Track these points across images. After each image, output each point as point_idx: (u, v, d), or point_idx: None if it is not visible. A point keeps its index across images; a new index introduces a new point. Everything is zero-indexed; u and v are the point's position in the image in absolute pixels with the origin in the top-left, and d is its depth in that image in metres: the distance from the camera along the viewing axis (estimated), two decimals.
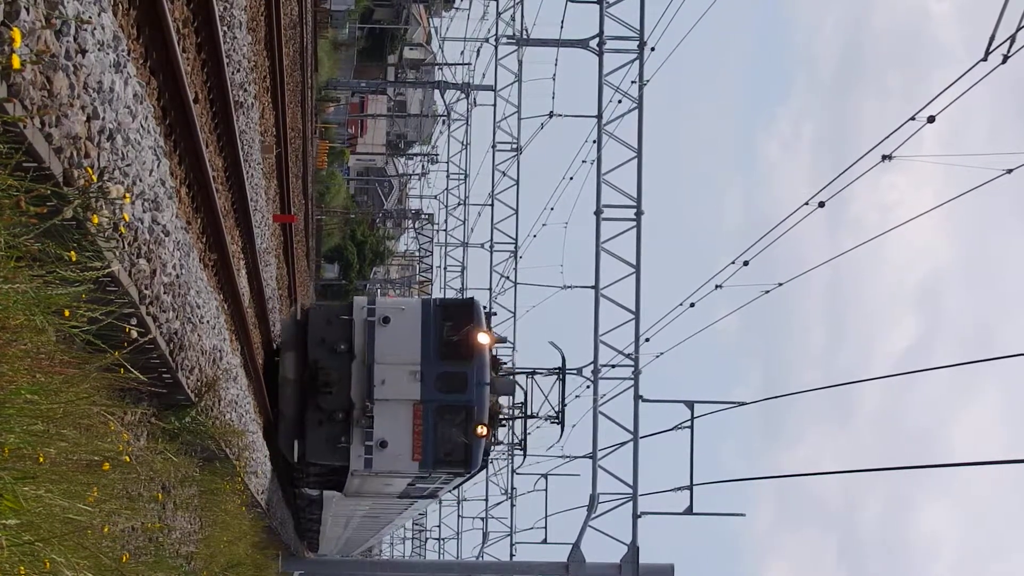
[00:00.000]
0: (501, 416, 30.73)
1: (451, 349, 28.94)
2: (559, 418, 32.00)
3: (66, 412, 6.64)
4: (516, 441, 33.05)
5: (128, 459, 8.71)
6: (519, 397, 33.70)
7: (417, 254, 79.95)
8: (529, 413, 31.86)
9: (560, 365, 31.55)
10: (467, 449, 28.88)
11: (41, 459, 6.22)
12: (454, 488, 36.91)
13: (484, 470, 37.53)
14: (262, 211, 24.62)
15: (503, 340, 32.88)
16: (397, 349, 28.66)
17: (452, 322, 29.12)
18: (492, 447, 31.55)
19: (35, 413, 6.20)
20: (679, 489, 29.61)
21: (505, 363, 31.32)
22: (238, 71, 18.66)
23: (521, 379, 32.64)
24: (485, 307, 30.37)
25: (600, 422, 31.19)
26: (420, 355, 28.78)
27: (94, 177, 7.71)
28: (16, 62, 6.18)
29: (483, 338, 28.94)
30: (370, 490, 34.35)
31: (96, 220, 7.63)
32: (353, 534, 64.59)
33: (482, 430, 28.71)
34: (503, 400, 31.95)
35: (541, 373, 31.87)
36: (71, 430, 6.85)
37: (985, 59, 15.45)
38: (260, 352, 25.51)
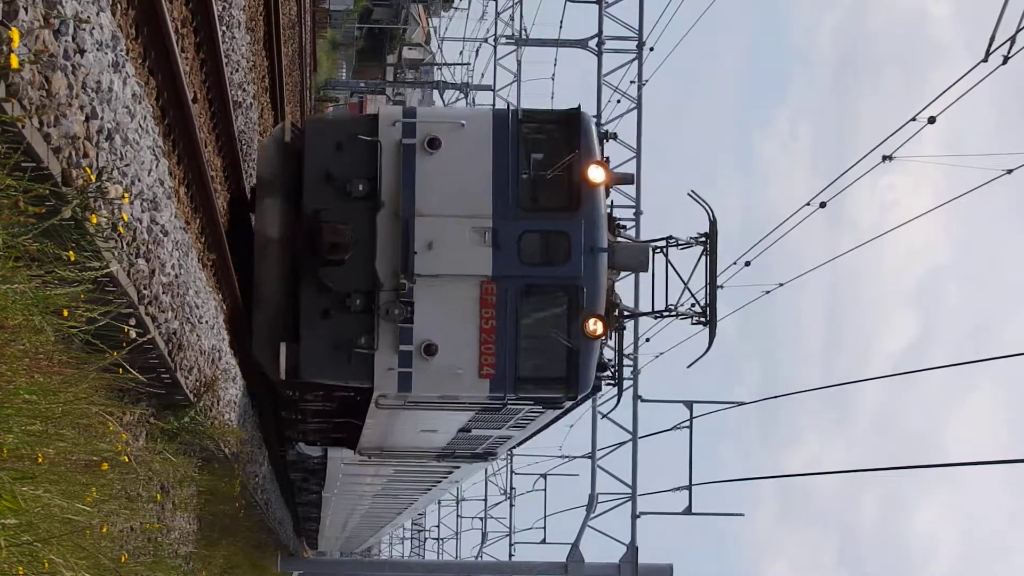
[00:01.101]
0: (621, 310, 19.23)
1: (543, 193, 18.37)
2: (706, 319, 19.40)
3: (65, 412, 6.64)
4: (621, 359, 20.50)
5: (127, 459, 8.71)
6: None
7: None
8: (665, 308, 19.59)
9: (708, 231, 19.20)
10: (571, 359, 18.10)
11: (40, 459, 6.21)
12: (540, 429, 22.86)
13: (593, 397, 21.72)
14: None
15: (627, 180, 21.35)
16: (453, 192, 17.97)
17: (545, 149, 18.62)
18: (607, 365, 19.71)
19: (34, 413, 6.19)
20: (678, 489, 29.62)
21: (625, 227, 19.86)
22: (237, 71, 18.65)
23: None
24: (600, 125, 19.17)
25: (599, 422, 31.19)
26: (491, 202, 18.00)
27: (93, 177, 7.70)
28: (15, 62, 6.18)
29: (597, 173, 18.05)
30: (400, 440, 23.52)
31: (95, 220, 7.62)
32: (366, 521, 51.22)
33: (596, 326, 17.84)
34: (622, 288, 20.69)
35: (679, 244, 19.39)
36: (70, 430, 6.85)
37: (986, 60, 15.45)
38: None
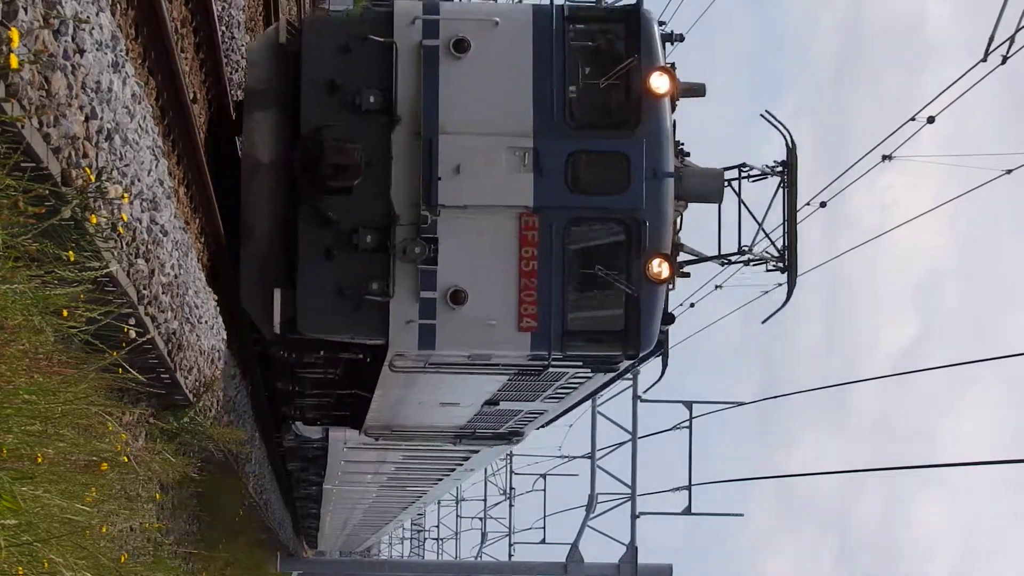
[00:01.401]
0: (685, 253, 16.02)
1: (596, 106, 15.33)
2: (784, 263, 16.08)
3: (64, 412, 6.64)
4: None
5: (126, 459, 8.72)
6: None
7: None
8: (738, 251, 16.24)
9: (785, 159, 15.89)
10: (631, 308, 14.96)
11: (40, 459, 6.21)
12: (581, 401, 19.78)
13: (660, 355, 16.84)
14: None
15: (697, 91, 16.18)
16: (485, 105, 14.99)
17: (597, 52, 15.42)
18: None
19: (33, 413, 6.20)
20: (678, 489, 29.64)
21: (688, 153, 15.99)
22: (237, 71, 18.66)
23: None
24: (663, 24, 15.45)
25: (599, 422, 31.20)
26: (532, 117, 14.97)
27: (92, 177, 7.71)
28: (14, 62, 6.18)
29: (661, 82, 14.91)
30: (413, 416, 20.31)
31: (94, 220, 7.62)
32: (369, 517, 47.69)
33: (661, 268, 14.77)
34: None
35: (750, 176, 16.10)
36: (69, 430, 6.85)
37: (985, 60, 15.47)
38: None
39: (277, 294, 14.84)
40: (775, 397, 29.48)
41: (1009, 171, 17.20)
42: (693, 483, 29.28)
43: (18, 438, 6.02)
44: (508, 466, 45.71)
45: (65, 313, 6.56)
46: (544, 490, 43.66)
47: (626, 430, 30.58)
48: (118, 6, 10.21)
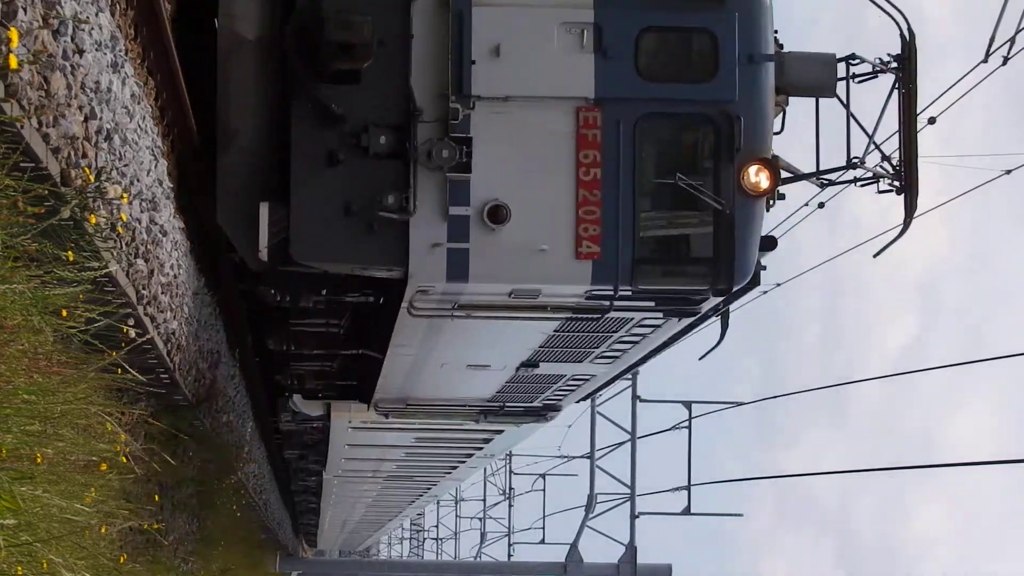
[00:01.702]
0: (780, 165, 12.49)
1: None
2: (901, 181, 12.78)
3: (63, 412, 6.64)
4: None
5: (125, 459, 8.71)
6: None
7: None
8: (847, 164, 12.95)
9: (900, 52, 12.72)
10: (719, 229, 11.98)
11: (39, 459, 6.21)
12: (647, 357, 15.66)
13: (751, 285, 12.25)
14: None
15: None
16: None
17: None
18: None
19: (32, 413, 6.19)
20: (677, 489, 29.64)
21: (783, 45, 12.63)
22: None
23: None
24: None
25: (598, 422, 31.20)
26: None
27: (91, 177, 7.71)
28: (13, 62, 6.18)
29: None
30: (433, 385, 17.38)
31: (93, 220, 7.62)
32: (373, 512, 45.06)
33: (760, 176, 11.85)
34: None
35: (858, 75, 12.88)
36: (68, 430, 6.85)
37: (985, 61, 15.46)
38: None
39: (264, 209, 11.56)
40: (774, 397, 29.48)
41: (1008, 171, 17.20)
42: (692, 483, 29.29)
43: (17, 438, 6.02)
44: (507, 466, 45.73)
45: (64, 313, 6.55)
46: (543, 490, 43.68)
47: (625, 430, 30.58)
48: (117, 6, 10.20)
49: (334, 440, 22.65)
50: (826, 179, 13.22)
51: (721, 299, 12.38)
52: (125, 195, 8.66)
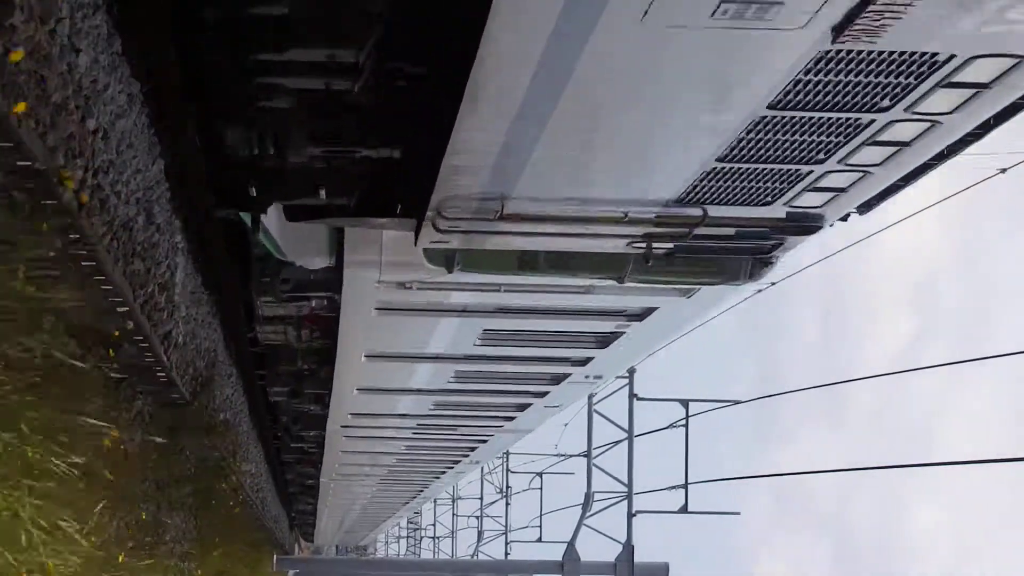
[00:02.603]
0: None
1: None
2: None
3: (62, 413, 6.65)
4: None
5: (124, 459, 8.72)
6: None
7: None
8: None
9: None
10: None
11: (35, 461, 6.22)
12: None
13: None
14: None
15: None
16: None
17: None
18: None
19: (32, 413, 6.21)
20: (674, 488, 29.62)
21: None
22: None
23: None
24: None
25: (595, 420, 31.18)
26: None
27: (88, 177, 7.70)
28: (14, 57, 6.19)
29: None
30: (568, 164, 9.26)
31: (89, 225, 7.60)
32: (392, 482, 33.79)
33: None
34: None
35: None
36: (67, 430, 6.86)
37: None
38: None
39: None
40: (771, 396, 29.43)
41: (1003, 170, 17.20)
42: (689, 481, 29.29)
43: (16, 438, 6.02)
44: (504, 464, 45.73)
45: (65, 312, 6.56)
46: (540, 488, 43.65)
47: (622, 428, 30.58)
48: (115, 6, 10.21)
49: (346, 324, 13.32)
50: None
51: None
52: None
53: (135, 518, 11.22)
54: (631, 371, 29.09)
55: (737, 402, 29.06)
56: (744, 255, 11.07)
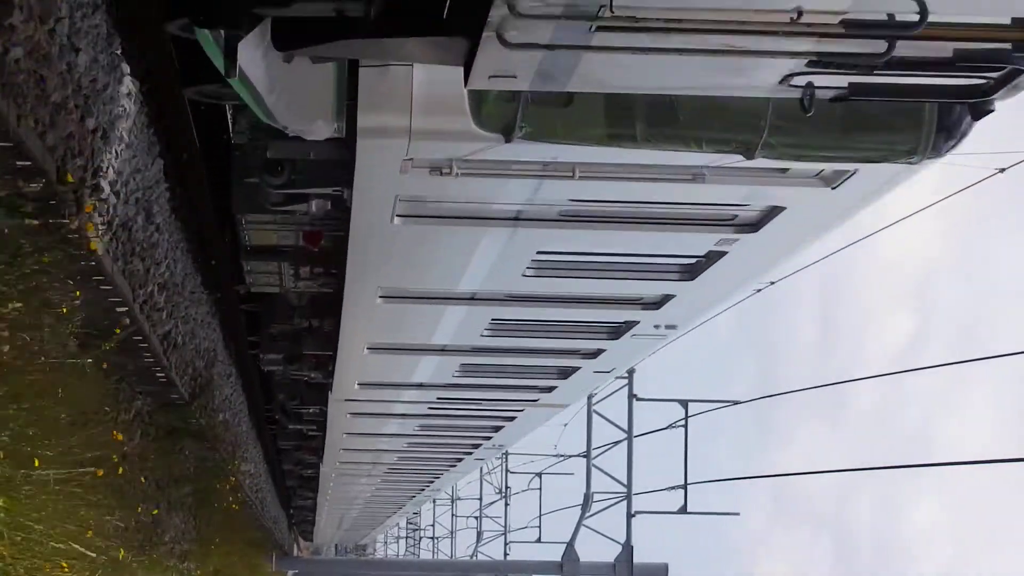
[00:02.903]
0: None
1: None
2: None
3: (62, 412, 6.66)
4: None
5: (123, 458, 8.73)
6: None
7: None
8: None
9: None
10: None
11: (37, 463, 6.22)
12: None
13: None
14: None
15: None
16: None
17: None
18: None
19: (31, 415, 6.21)
20: (673, 488, 29.61)
21: None
22: None
23: None
24: None
25: (594, 421, 31.18)
26: None
27: (87, 175, 7.70)
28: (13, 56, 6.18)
29: None
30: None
31: (91, 229, 7.61)
32: (410, 459, 27.79)
33: None
34: None
35: None
36: (67, 430, 6.86)
37: None
38: None
39: None
40: (771, 396, 29.42)
41: (1002, 170, 17.19)
42: (689, 482, 29.29)
43: (14, 438, 6.02)
44: (504, 465, 45.74)
45: (65, 311, 6.57)
46: (540, 489, 43.66)
47: (622, 429, 30.57)
48: (114, 5, 10.21)
49: (360, 239, 10.24)
50: None
51: None
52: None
53: (135, 518, 11.23)
54: (630, 371, 29.09)
55: (736, 402, 29.06)
56: (953, 97, 6.95)
